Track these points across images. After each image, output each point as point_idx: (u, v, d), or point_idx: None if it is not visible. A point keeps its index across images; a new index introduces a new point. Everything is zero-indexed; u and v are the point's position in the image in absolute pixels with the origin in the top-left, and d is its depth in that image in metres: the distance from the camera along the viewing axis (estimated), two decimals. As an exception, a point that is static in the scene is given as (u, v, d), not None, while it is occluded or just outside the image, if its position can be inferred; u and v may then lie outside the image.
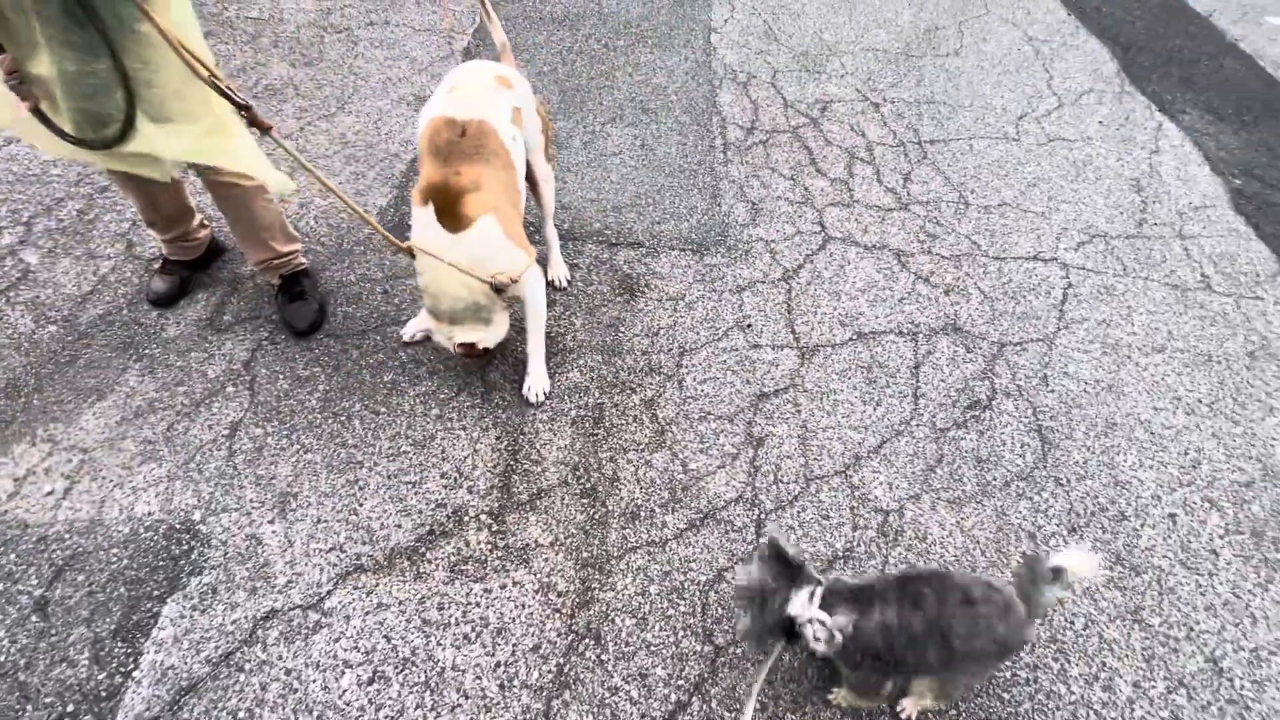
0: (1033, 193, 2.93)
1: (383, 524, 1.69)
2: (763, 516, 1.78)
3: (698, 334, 2.22)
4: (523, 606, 1.58)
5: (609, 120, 3.07)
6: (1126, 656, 1.61)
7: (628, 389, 2.05)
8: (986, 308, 2.42)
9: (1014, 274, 2.56)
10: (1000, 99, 3.44)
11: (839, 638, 1.19)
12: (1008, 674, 1.56)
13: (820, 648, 1.21)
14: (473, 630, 1.53)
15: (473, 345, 1.74)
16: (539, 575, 1.63)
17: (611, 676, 1.49)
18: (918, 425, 2.04)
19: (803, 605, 1.21)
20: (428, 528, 1.69)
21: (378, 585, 1.59)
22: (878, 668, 1.27)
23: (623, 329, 2.21)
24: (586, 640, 1.54)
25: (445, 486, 1.77)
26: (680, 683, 1.49)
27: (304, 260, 2.19)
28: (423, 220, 1.64)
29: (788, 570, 1.23)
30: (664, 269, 2.43)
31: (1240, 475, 2.01)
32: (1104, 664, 1.59)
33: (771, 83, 3.42)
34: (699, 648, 1.54)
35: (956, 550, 1.76)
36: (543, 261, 2.23)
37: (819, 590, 1.24)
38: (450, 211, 1.62)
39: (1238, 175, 3.13)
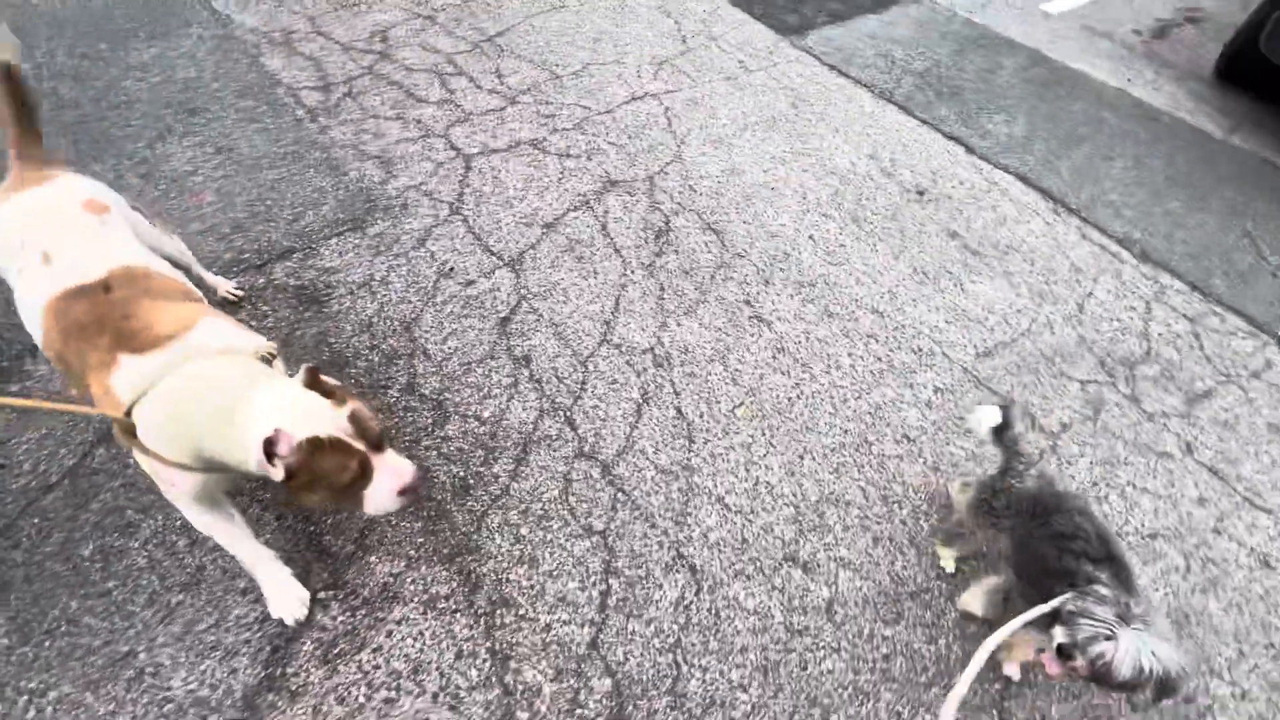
0: (601, 46, 3.27)
1: (213, 684, 1.40)
2: (568, 414, 1.91)
3: (410, 303, 2.13)
4: (421, 633, 1.50)
5: (154, 140, 2.51)
6: (832, 339, 2.18)
7: (380, 388, 1.91)
8: (623, 155, 2.74)
9: (627, 119, 2.91)
10: (530, -26, 3.64)
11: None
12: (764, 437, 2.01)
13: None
14: (391, 688, 1.42)
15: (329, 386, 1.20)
16: (417, 598, 1.55)
17: (538, 620, 1.54)
18: (632, 272, 2.31)
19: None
20: (268, 648, 1.46)
21: (255, 737, 1.35)
22: None
23: (333, 338, 2.01)
24: (498, 611, 1.55)
25: (257, 599, 1.51)
26: (593, 579, 1.61)
27: None
28: (126, 372, 1.16)
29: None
30: (334, 261, 2.21)
31: (828, 188, 2.73)
32: (825, 355, 2.14)
33: (316, 31, 3.10)
34: (588, 543, 1.67)
35: (709, 347, 2.13)
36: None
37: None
38: (152, 337, 1.19)
39: (721, -23, 3.88)
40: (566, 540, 1.67)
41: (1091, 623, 1.12)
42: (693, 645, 1.54)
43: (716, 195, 2.62)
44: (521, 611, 1.55)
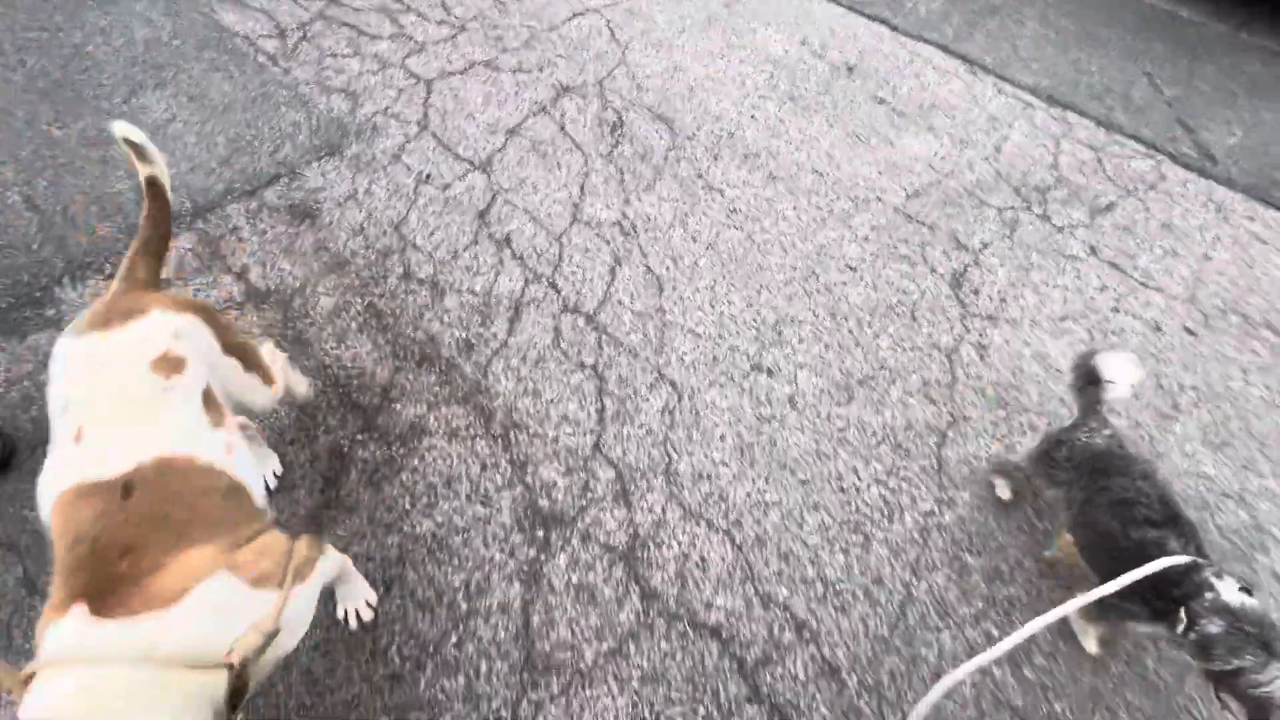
0: (538, -30, 3.42)
1: (279, 508, 1.66)
2: (550, 280, 2.15)
3: (395, 208, 2.34)
4: (449, 455, 1.77)
5: (129, 95, 2.65)
6: (778, 198, 2.44)
7: (379, 279, 2.14)
8: (572, 65, 2.93)
9: (572, 33, 3.08)
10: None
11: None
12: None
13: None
14: (430, 497, 1.69)
15: None
16: (441, 430, 1.81)
17: (547, 435, 1.81)
18: (593, 161, 2.53)
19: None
20: (321, 480, 1.71)
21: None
22: None
23: (331, 244, 2.22)
24: (511, 433, 1.81)
25: (307, 444, 1.76)
26: (589, 400, 1.88)
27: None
28: (64, 630, 0.85)
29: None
30: (318, 182, 2.41)
31: (764, 74, 2.95)
32: (773, 210, 2.40)
33: (261, -16, 3.21)
34: (582, 375, 1.93)
35: (668, 217, 2.37)
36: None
37: None
38: (119, 598, 0.88)
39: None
40: (562, 375, 1.93)
41: (1257, 675, 1.03)
42: (679, 439, 1.82)
43: (663, 91, 2.83)
44: (531, 431, 1.82)
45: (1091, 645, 1.49)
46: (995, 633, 1.54)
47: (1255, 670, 1.04)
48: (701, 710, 1.42)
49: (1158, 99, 2.95)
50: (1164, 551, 1.19)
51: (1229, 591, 1.12)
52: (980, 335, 2.07)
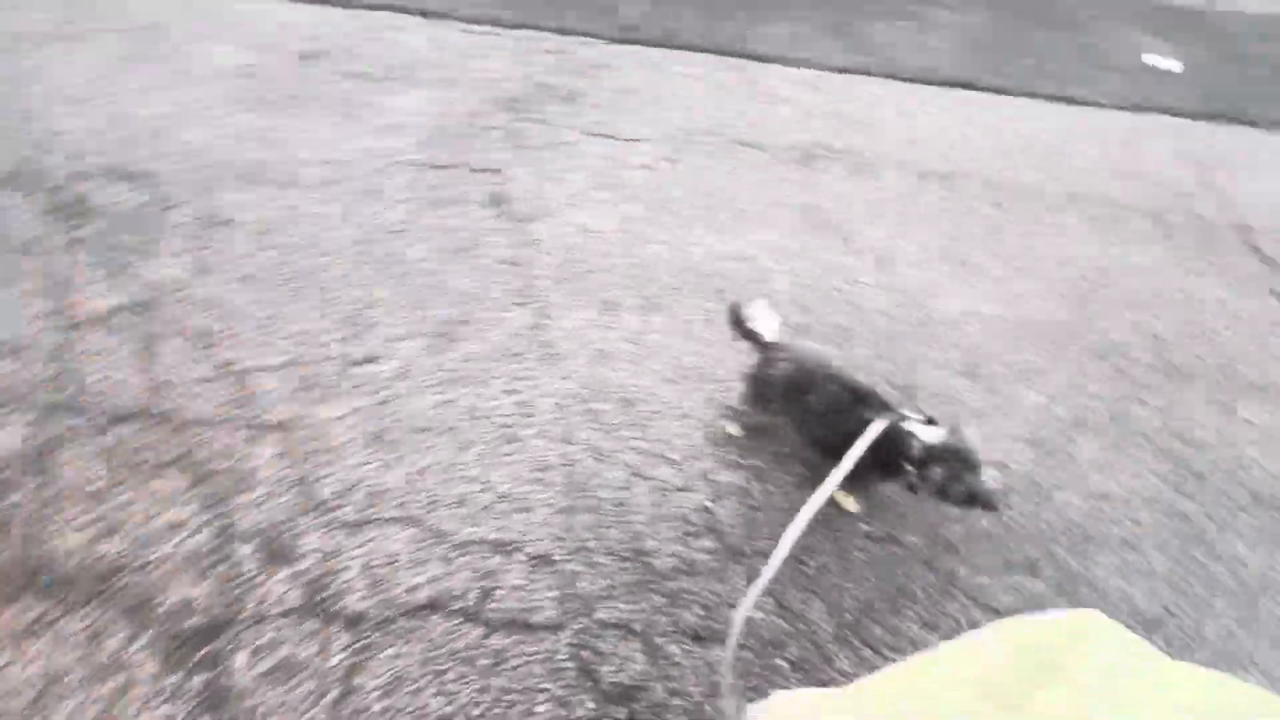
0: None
1: None
2: (68, 404, 1.77)
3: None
4: (31, 659, 1.40)
5: None
6: (301, 199, 2.34)
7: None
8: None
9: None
10: None
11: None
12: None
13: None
14: (32, 712, 1.33)
15: None
16: (2, 643, 1.41)
17: (154, 558, 1.54)
18: (55, 256, 2.09)
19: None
20: None
21: None
22: None
23: None
24: (109, 583, 1.50)
25: None
26: (187, 496, 1.64)
27: None
28: None
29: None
30: None
31: (226, 89, 2.71)
32: (304, 215, 2.30)
33: None
34: (169, 473, 1.67)
35: (192, 267, 2.10)
36: None
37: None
38: None
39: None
40: (142, 485, 1.65)
41: (978, 490, 1.32)
42: (307, 471, 1.71)
43: (117, 145, 2.43)
44: (135, 565, 1.53)
45: (852, 506, 1.67)
46: (645, 447, 1.84)
47: (975, 487, 1.33)
48: (450, 673, 1.44)
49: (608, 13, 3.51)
50: (865, 425, 1.36)
51: (922, 430, 1.37)
52: (531, 235, 2.32)
